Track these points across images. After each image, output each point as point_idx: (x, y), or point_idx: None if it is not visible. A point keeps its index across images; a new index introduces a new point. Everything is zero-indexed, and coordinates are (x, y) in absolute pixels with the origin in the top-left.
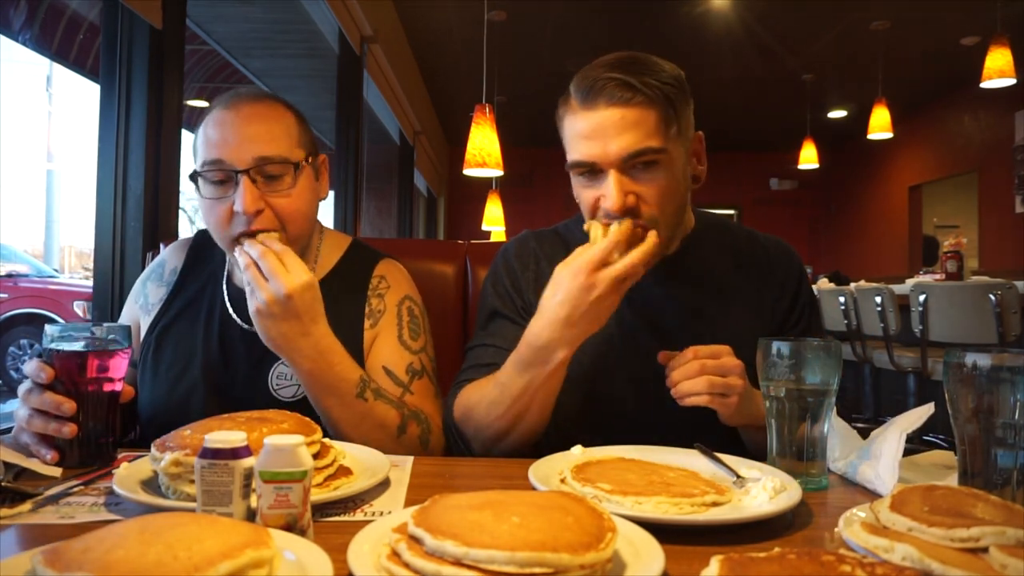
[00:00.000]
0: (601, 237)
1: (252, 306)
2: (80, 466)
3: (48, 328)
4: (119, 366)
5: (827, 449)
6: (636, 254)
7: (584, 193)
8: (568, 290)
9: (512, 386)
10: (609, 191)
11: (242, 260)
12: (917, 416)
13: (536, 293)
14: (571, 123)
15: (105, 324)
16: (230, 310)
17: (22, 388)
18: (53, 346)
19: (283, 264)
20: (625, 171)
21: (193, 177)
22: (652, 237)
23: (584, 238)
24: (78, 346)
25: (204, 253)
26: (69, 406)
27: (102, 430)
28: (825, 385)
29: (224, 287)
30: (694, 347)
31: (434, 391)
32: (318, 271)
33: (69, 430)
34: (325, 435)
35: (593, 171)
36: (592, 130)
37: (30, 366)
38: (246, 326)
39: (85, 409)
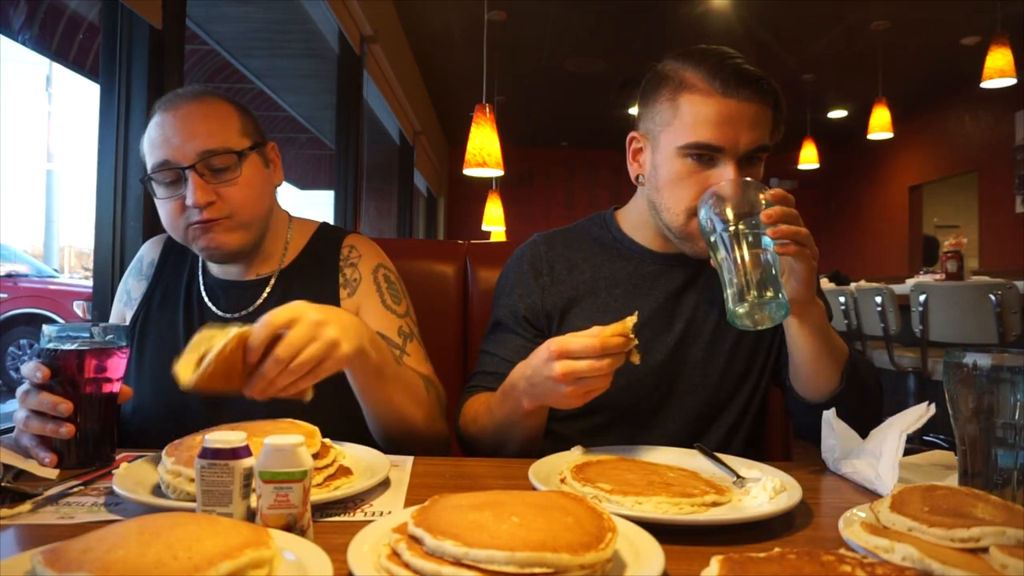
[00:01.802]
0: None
1: (335, 366)
2: (78, 467)
3: (46, 328)
4: (117, 366)
5: (827, 449)
6: (602, 363)
7: (693, 176)
8: (537, 355)
9: (496, 413)
10: (730, 179)
11: (287, 377)
12: (916, 416)
13: (553, 297)
14: (699, 105)
15: (103, 324)
16: (207, 300)
17: (20, 390)
18: (51, 346)
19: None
20: (740, 164)
21: (145, 181)
22: (624, 356)
23: (603, 237)
24: (76, 346)
25: (180, 245)
26: (66, 407)
27: (100, 431)
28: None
29: (200, 277)
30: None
31: (424, 353)
32: (288, 256)
33: (67, 431)
34: (327, 435)
35: (710, 157)
36: (728, 117)
37: (27, 367)
38: (222, 314)
39: (83, 410)
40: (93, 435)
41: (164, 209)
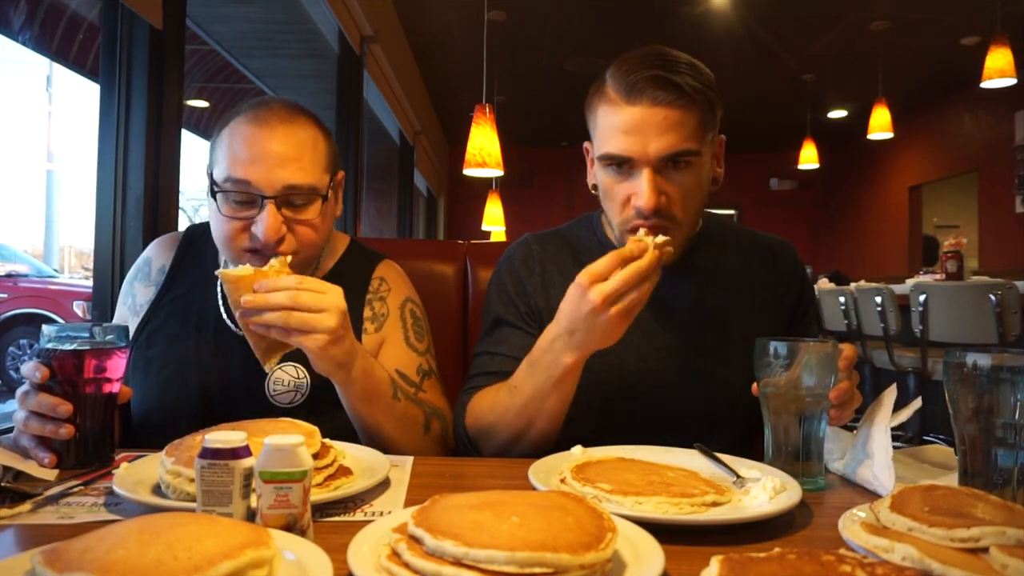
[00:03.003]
0: (637, 250)
1: (318, 343)
2: (77, 467)
3: (45, 328)
4: (117, 366)
5: (825, 451)
6: (629, 271)
7: (615, 187)
8: (568, 300)
9: (523, 388)
10: (643, 189)
11: (274, 317)
12: (890, 405)
13: (544, 298)
14: (608, 115)
15: (103, 324)
16: (224, 316)
17: (20, 390)
18: (50, 346)
19: (311, 290)
20: (659, 170)
21: (212, 190)
22: (649, 255)
23: (588, 240)
24: (75, 346)
25: (194, 252)
26: (65, 408)
27: (100, 431)
28: (822, 386)
29: (219, 289)
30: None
31: (441, 388)
32: (317, 273)
33: (66, 432)
34: (326, 435)
35: (625, 166)
36: (634, 126)
37: (26, 367)
38: (240, 332)
39: (83, 410)
40: (93, 435)
41: (225, 226)
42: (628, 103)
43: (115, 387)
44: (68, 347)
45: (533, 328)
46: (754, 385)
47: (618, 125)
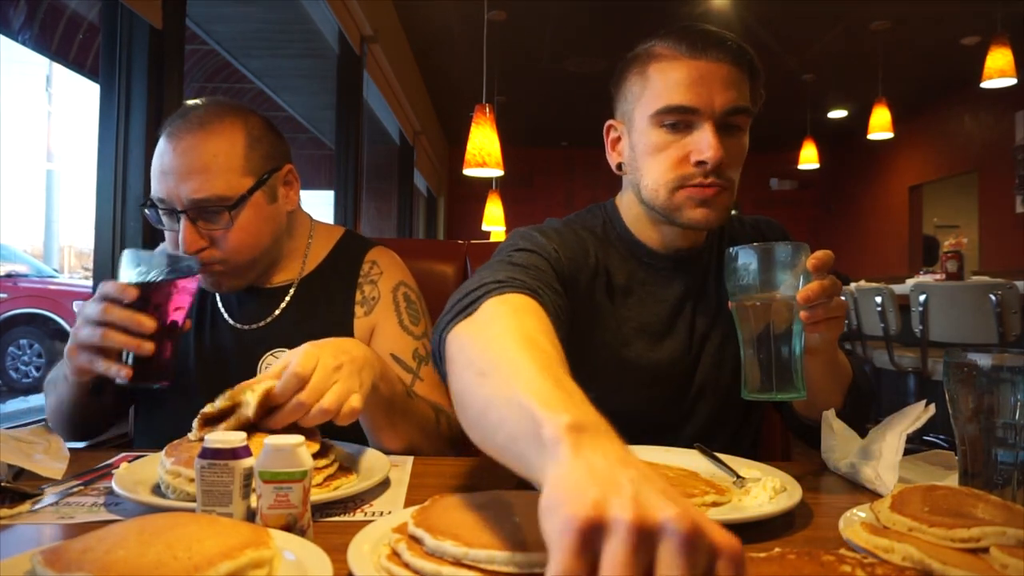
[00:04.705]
0: None
1: (355, 406)
2: (148, 383)
3: (127, 254)
4: (189, 293)
5: (827, 449)
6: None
7: (670, 146)
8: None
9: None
10: (709, 141)
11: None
12: (915, 415)
13: (571, 269)
14: (668, 70)
15: (171, 253)
16: (221, 311)
17: (93, 308)
18: (140, 272)
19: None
20: (719, 129)
21: (143, 206)
22: None
23: (603, 232)
24: (159, 274)
25: None
26: (151, 323)
27: (170, 353)
28: (790, 287)
29: None
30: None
31: (439, 378)
32: (308, 264)
33: (149, 347)
34: (327, 435)
35: (685, 123)
36: (700, 77)
37: (111, 286)
38: (237, 325)
39: (159, 331)
40: (163, 356)
41: (167, 237)
42: (691, 57)
43: (181, 316)
44: (155, 276)
45: (558, 284)
46: (729, 303)
47: (682, 78)
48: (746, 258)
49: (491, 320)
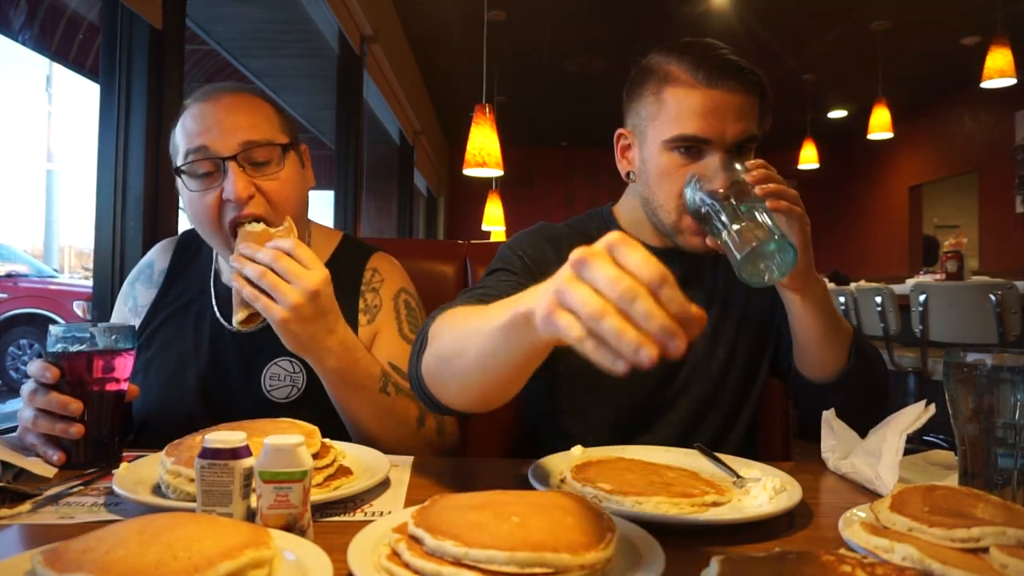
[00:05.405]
0: None
1: (276, 314)
2: (87, 466)
3: (52, 329)
4: (125, 366)
5: (828, 448)
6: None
7: (681, 170)
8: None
9: (471, 320)
10: (717, 171)
11: (251, 270)
12: (915, 415)
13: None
14: (683, 97)
15: (110, 325)
16: (217, 312)
17: (26, 388)
18: (59, 347)
19: (298, 261)
20: (729, 155)
21: (177, 171)
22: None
23: (601, 234)
24: (84, 347)
25: (190, 253)
26: (76, 406)
27: (108, 430)
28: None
29: (212, 288)
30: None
31: None
32: None
33: (76, 430)
34: (327, 435)
35: (697, 149)
36: (714, 108)
37: (34, 366)
38: (234, 328)
39: (92, 409)
40: (101, 434)
41: (198, 204)
42: (708, 86)
43: (123, 386)
44: (76, 348)
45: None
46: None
47: (696, 108)
48: (692, 179)
49: (439, 333)
